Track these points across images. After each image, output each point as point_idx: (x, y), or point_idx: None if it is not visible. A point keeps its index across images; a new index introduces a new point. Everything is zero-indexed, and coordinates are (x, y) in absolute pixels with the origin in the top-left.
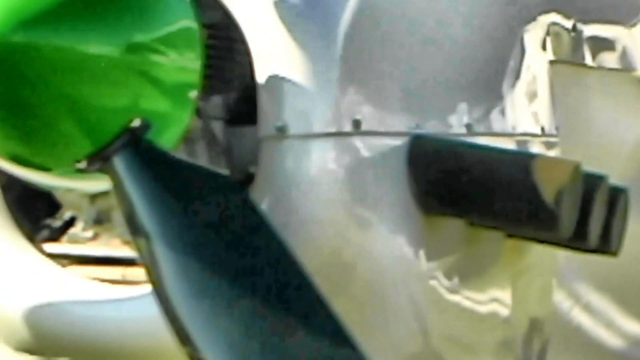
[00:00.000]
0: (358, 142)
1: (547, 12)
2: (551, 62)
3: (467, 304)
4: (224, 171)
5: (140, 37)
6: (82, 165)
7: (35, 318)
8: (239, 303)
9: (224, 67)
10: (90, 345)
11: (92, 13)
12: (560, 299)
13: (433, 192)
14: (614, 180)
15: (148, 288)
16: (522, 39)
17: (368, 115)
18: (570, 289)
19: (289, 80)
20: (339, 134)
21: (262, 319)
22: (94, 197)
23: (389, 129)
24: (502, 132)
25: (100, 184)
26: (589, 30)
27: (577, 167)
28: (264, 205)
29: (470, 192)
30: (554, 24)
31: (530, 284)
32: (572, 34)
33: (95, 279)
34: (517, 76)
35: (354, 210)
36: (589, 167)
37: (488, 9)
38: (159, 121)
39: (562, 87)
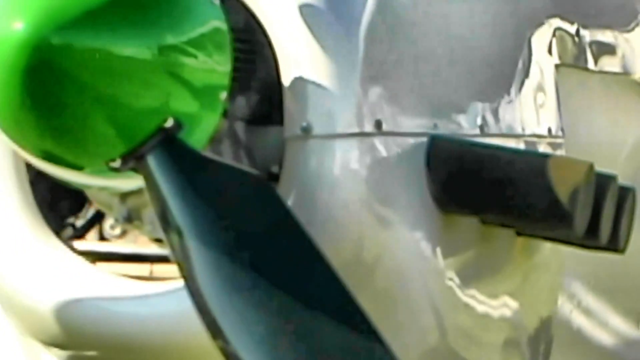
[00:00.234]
0: (379, 142)
1: (553, 17)
2: (557, 66)
3: (478, 301)
4: (253, 170)
5: (171, 40)
6: (117, 164)
7: (64, 313)
8: (269, 298)
9: (246, 68)
10: (118, 340)
11: (126, 16)
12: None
13: (450, 191)
14: None
15: (175, 284)
16: (529, 43)
17: (388, 116)
18: (565, 289)
19: (313, 82)
20: (361, 135)
21: (291, 314)
22: (124, 195)
23: (408, 130)
24: (513, 133)
25: (131, 182)
26: (591, 35)
27: (591, 167)
28: (288, 204)
29: (487, 191)
30: (559, 28)
31: (538, 283)
32: (576, 38)
33: (123, 275)
34: (525, 78)
35: (375, 209)
36: None
37: (501, 13)
38: (188, 121)
39: (566, 91)
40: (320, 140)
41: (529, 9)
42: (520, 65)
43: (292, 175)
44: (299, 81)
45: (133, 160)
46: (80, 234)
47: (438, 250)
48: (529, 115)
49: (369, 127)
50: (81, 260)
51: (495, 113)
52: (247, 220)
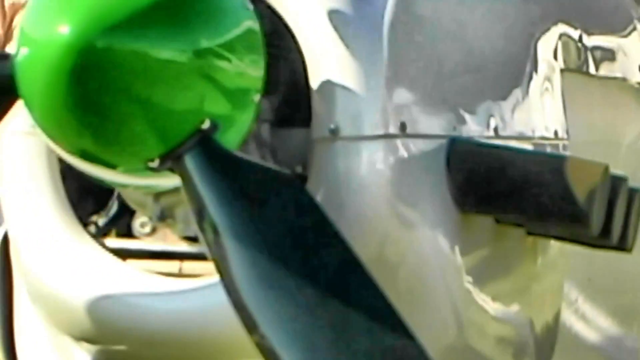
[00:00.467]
0: (403, 143)
1: (558, 22)
2: (562, 71)
3: (492, 298)
4: (286, 170)
5: (205, 43)
6: (155, 163)
7: (95, 308)
8: (303, 295)
9: (272, 71)
10: (147, 335)
11: (163, 20)
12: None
13: (470, 191)
14: None
15: (204, 281)
16: (536, 47)
17: (412, 118)
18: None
19: (340, 84)
20: (386, 136)
21: (324, 310)
22: (158, 194)
23: (430, 132)
24: (524, 136)
25: (166, 181)
26: (591, 41)
27: (607, 169)
28: None
29: (505, 191)
30: (563, 34)
31: (545, 283)
32: (579, 44)
33: (153, 272)
34: (534, 82)
35: (399, 209)
36: None
37: (512, 19)
38: (222, 123)
39: (570, 95)
40: (348, 142)
41: (537, 16)
42: (529, 69)
43: (320, 175)
44: (326, 83)
45: (171, 160)
46: (103, 232)
47: (457, 248)
48: (538, 118)
49: (393, 129)
50: (112, 257)
51: (507, 116)
52: (280, 217)
